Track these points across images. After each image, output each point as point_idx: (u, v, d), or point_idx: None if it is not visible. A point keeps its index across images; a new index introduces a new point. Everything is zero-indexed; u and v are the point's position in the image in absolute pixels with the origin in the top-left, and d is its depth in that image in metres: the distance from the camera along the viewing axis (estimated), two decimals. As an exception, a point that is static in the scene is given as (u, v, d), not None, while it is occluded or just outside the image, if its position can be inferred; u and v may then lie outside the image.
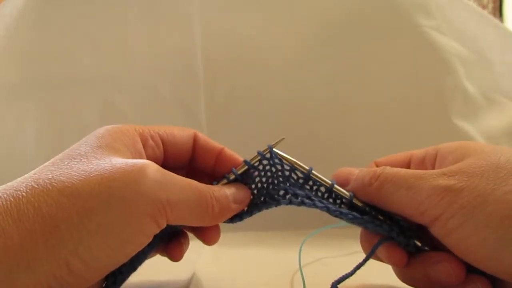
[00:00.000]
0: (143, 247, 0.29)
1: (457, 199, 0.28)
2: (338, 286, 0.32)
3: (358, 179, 0.34)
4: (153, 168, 0.29)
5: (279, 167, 0.34)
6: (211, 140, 0.37)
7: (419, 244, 0.33)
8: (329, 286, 0.32)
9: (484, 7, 2.39)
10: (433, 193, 0.29)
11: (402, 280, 0.33)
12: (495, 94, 0.63)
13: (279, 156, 0.34)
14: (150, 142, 0.34)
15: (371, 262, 0.34)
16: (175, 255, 0.35)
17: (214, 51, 0.59)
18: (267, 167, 0.34)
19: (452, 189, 0.28)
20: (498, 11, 2.45)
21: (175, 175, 0.30)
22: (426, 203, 0.29)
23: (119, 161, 0.28)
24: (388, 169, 0.32)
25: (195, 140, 0.37)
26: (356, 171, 0.34)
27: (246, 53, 0.59)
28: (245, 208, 0.34)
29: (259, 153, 0.34)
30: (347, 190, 0.34)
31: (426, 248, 0.33)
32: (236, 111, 0.58)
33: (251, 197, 0.34)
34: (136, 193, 0.27)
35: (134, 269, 0.33)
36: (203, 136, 0.37)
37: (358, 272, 0.32)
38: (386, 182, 0.31)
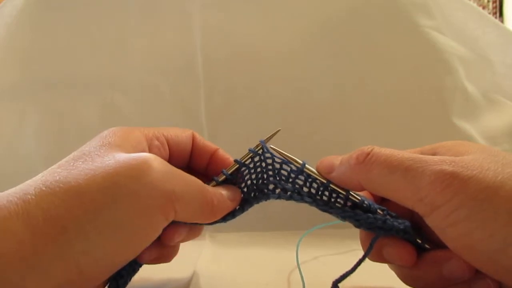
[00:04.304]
0: (151, 241, 0.29)
1: (463, 189, 0.26)
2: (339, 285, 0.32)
3: (344, 162, 0.32)
4: (156, 160, 0.29)
5: (269, 161, 0.34)
6: (207, 141, 0.38)
7: (419, 241, 0.32)
8: (328, 285, 0.32)
9: (484, 7, 2.39)
10: (436, 178, 0.26)
11: (406, 282, 0.32)
12: (495, 94, 0.63)
13: (273, 151, 0.34)
14: (156, 142, 0.34)
15: (372, 263, 0.34)
16: (166, 238, 0.32)
17: (214, 51, 0.59)
18: (258, 163, 0.34)
19: (458, 176, 0.26)
20: (498, 11, 2.45)
21: (177, 169, 0.30)
22: (426, 189, 0.27)
23: (122, 156, 0.28)
24: (378, 148, 0.30)
25: (193, 140, 0.37)
26: (339, 158, 0.33)
27: (246, 52, 0.59)
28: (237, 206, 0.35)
29: (250, 151, 0.34)
30: (331, 177, 0.33)
31: (427, 246, 0.32)
32: (236, 110, 0.58)
33: (242, 195, 0.35)
34: (142, 185, 0.27)
35: (134, 271, 0.33)
36: (199, 137, 0.37)
37: (358, 273, 0.32)
38: (378, 162, 0.29)
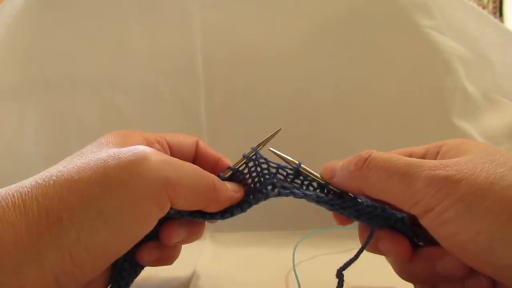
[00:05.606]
0: (146, 232, 0.29)
1: (455, 191, 0.27)
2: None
3: (344, 168, 0.32)
4: (150, 151, 0.29)
5: (264, 166, 0.34)
6: (210, 148, 0.38)
7: (415, 240, 0.33)
8: (326, 283, 0.32)
9: (484, 7, 2.39)
10: (430, 183, 0.28)
11: (401, 276, 0.33)
12: (495, 94, 0.63)
13: (265, 158, 0.34)
14: (157, 146, 0.35)
15: (373, 262, 0.34)
16: (164, 237, 0.33)
17: (214, 50, 0.59)
18: (253, 168, 0.34)
19: (450, 180, 0.27)
20: (498, 11, 2.45)
21: (174, 158, 0.31)
22: (421, 193, 0.28)
23: (114, 150, 0.29)
24: (376, 153, 0.31)
25: (196, 147, 0.37)
26: (341, 163, 0.33)
27: (246, 52, 0.59)
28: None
29: (244, 157, 0.34)
30: (333, 183, 0.33)
31: (421, 243, 0.33)
32: (236, 110, 0.58)
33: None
34: (133, 176, 0.27)
35: (136, 272, 0.33)
36: (203, 144, 0.38)
37: (359, 272, 0.32)
38: (376, 168, 0.30)
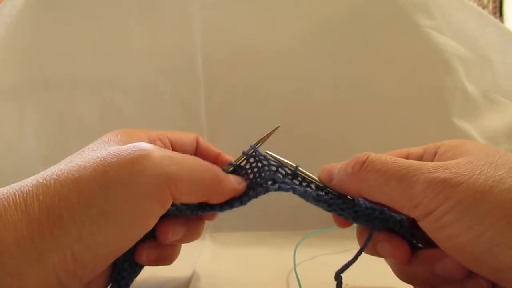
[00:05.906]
0: (148, 230, 0.29)
1: (454, 194, 0.27)
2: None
3: (342, 171, 0.32)
4: (150, 147, 0.29)
5: (265, 162, 0.34)
6: (210, 144, 0.38)
7: (414, 241, 0.33)
8: (327, 283, 0.32)
9: (484, 7, 2.39)
10: (428, 186, 0.27)
11: (400, 278, 0.33)
12: (495, 94, 0.63)
13: (266, 155, 0.34)
14: (159, 143, 0.35)
15: (373, 264, 0.34)
16: (161, 235, 0.33)
17: (214, 50, 0.59)
18: (254, 164, 0.34)
19: (449, 183, 0.27)
20: (498, 11, 2.45)
21: (175, 152, 0.30)
22: (420, 197, 0.28)
23: (114, 148, 0.29)
24: (373, 156, 0.30)
25: (196, 143, 0.38)
26: (339, 165, 0.33)
27: (246, 52, 0.59)
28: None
29: (244, 153, 0.34)
30: (331, 186, 0.33)
31: (420, 245, 0.33)
32: (236, 110, 0.58)
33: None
34: (132, 174, 0.27)
35: (136, 272, 0.33)
36: (203, 140, 0.38)
37: (359, 272, 0.32)
38: (374, 171, 0.30)
